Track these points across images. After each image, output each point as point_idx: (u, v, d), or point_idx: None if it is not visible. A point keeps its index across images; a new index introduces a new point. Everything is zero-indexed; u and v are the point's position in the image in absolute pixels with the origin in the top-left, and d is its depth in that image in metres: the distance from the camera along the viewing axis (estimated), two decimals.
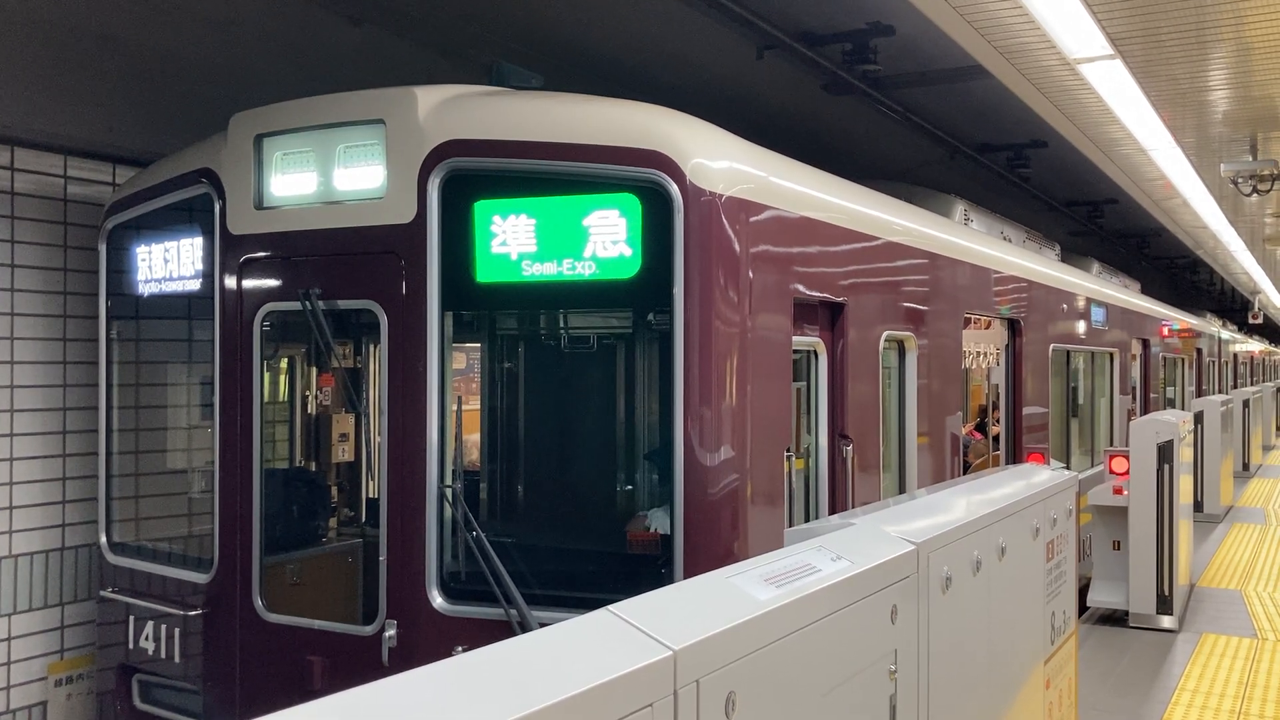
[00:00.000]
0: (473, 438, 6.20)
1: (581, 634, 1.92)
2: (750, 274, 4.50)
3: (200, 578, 5.31)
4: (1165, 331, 17.33)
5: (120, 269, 5.95)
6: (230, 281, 5.23)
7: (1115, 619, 9.12)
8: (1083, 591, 9.09)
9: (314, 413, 6.24)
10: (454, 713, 1.55)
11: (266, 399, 5.34)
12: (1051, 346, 10.02)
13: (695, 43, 8.07)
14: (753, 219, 4.56)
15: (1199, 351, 22.13)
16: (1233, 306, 36.35)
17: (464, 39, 7.57)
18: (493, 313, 5.55)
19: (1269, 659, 7.98)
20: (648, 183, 4.30)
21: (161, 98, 6.64)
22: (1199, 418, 14.44)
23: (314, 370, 6.24)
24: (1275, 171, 10.19)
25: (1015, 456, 8.98)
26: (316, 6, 6.82)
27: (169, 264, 5.65)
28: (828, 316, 5.48)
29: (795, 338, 4.99)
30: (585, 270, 4.39)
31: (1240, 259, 20.93)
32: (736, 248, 4.42)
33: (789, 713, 2.30)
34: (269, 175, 5.13)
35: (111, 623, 5.78)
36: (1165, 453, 8.86)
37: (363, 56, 7.29)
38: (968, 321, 7.68)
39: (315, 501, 6.06)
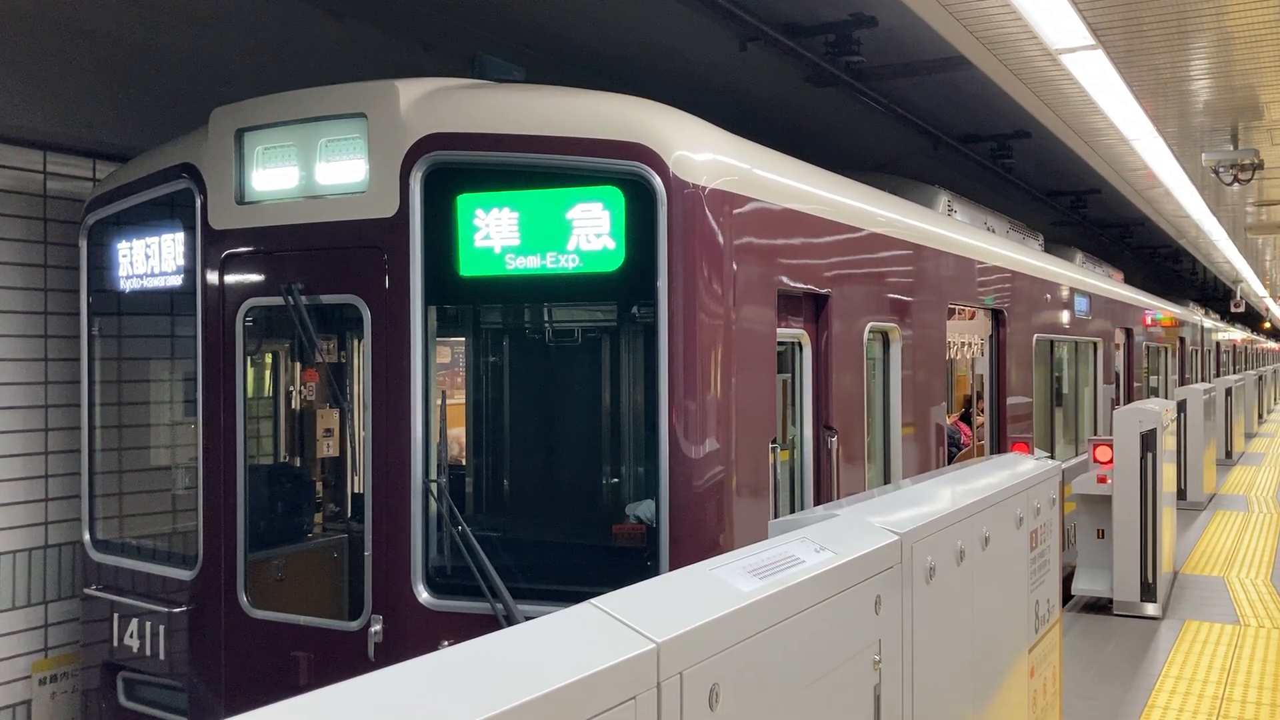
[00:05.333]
0: (457, 432, 6.19)
1: (564, 628, 1.92)
2: (734, 266, 4.50)
3: (185, 574, 5.29)
4: (1148, 320, 17.42)
5: (101, 265, 5.91)
6: (212, 277, 5.21)
7: (1099, 607, 9.17)
8: (1067, 580, 9.14)
9: (298, 408, 6.22)
10: (436, 708, 1.55)
11: (250, 394, 5.32)
12: (1035, 336, 10.06)
13: (678, 35, 8.06)
14: (736, 211, 4.56)
15: (1182, 340, 22.25)
16: (1215, 295, 36.59)
17: (445, 32, 7.54)
18: (477, 307, 5.54)
19: (1251, 645, 8.04)
20: (631, 175, 4.29)
21: (142, 93, 6.59)
22: (1182, 406, 14.53)
23: (297, 365, 6.21)
24: (1256, 161, 10.25)
25: (999, 446, 9.02)
26: (297, 0, 6.78)
27: (150, 260, 5.62)
28: (812, 308, 5.49)
29: (780, 329, 5.00)
30: (569, 263, 4.39)
31: (1222, 248, 21.07)
32: (720, 240, 4.42)
33: (773, 704, 2.30)
34: (250, 170, 5.10)
35: (95, 620, 5.75)
36: (1148, 441, 8.91)
37: (344, 50, 7.25)
38: (952, 312, 7.71)
39: (300, 497, 6.04)
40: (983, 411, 9.33)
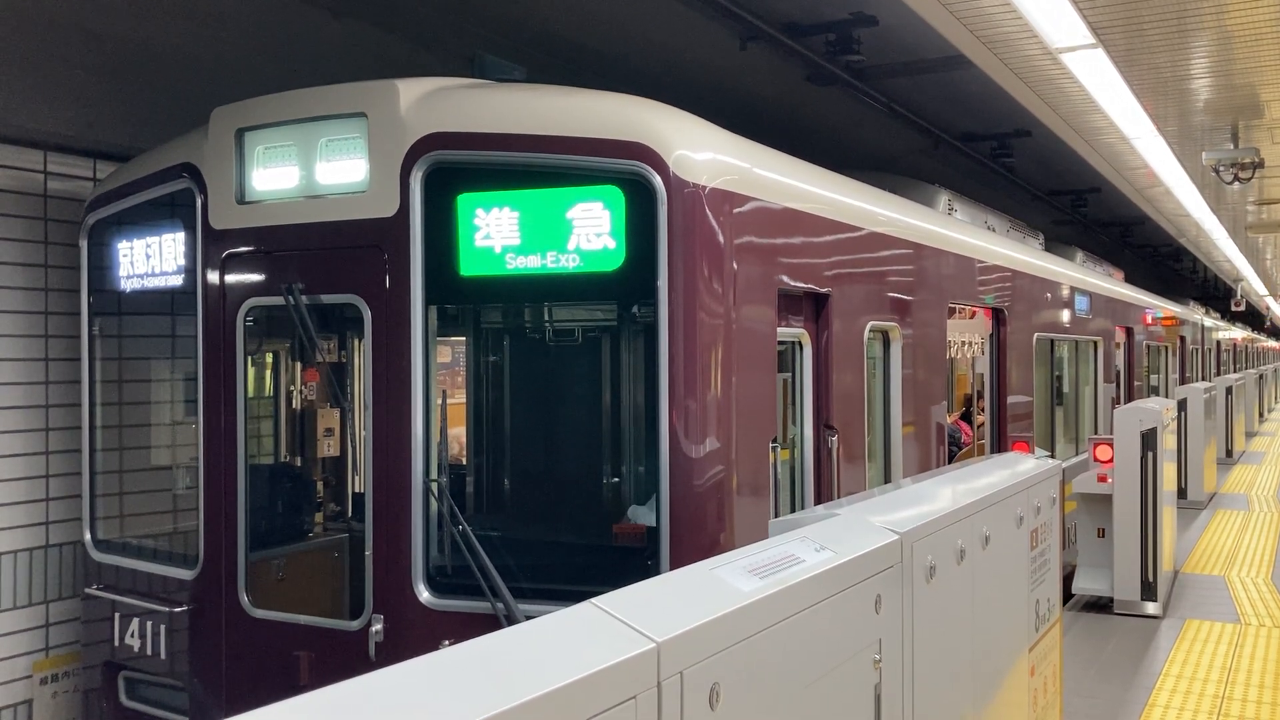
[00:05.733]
0: (458, 431, 6.19)
1: (565, 627, 1.92)
2: (734, 265, 4.50)
3: (185, 574, 5.29)
4: (1149, 319, 17.41)
5: (102, 265, 5.91)
6: (213, 276, 5.21)
7: (1100, 606, 9.17)
8: (1068, 579, 9.14)
9: (299, 408, 6.22)
10: (437, 708, 1.55)
11: (251, 394, 5.32)
12: (1036, 335, 10.06)
13: (678, 34, 8.06)
14: (736, 210, 4.56)
15: (1182, 339, 22.24)
16: (1215, 294, 36.56)
17: (446, 31, 7.55)
18: (477, 306, 5.54)
19: (1252, 644, 8.04)
20: (631, 175, 4.29)
21: (142, 92, 6.59)
22: (1182, 405, 14.53)
23: (298, 365, 6.21)
24: (1256, 159, 10.24)
25: (1000, 445, 9.02)
26: (298, 0, 6.78)
27: (151, 259, 5.62)
28: (812, 307, 5.49)
29: (780, 329, 5.00)
30: (569, 263, 4.39)
31: (1223, 247, 21.05)
32: (720, 239, 4.42)
33: (773, 704, 2.30)
34: (251, 169, 5.10)
35: (96, 620, 5.76)
36: (1149, 440, 8.91)
37: (344, 49, 7.25)
38: (952, 311, 7.70)
39: (300, 497, 6.05)
40: (983, 410, 9.33)
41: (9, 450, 6.14)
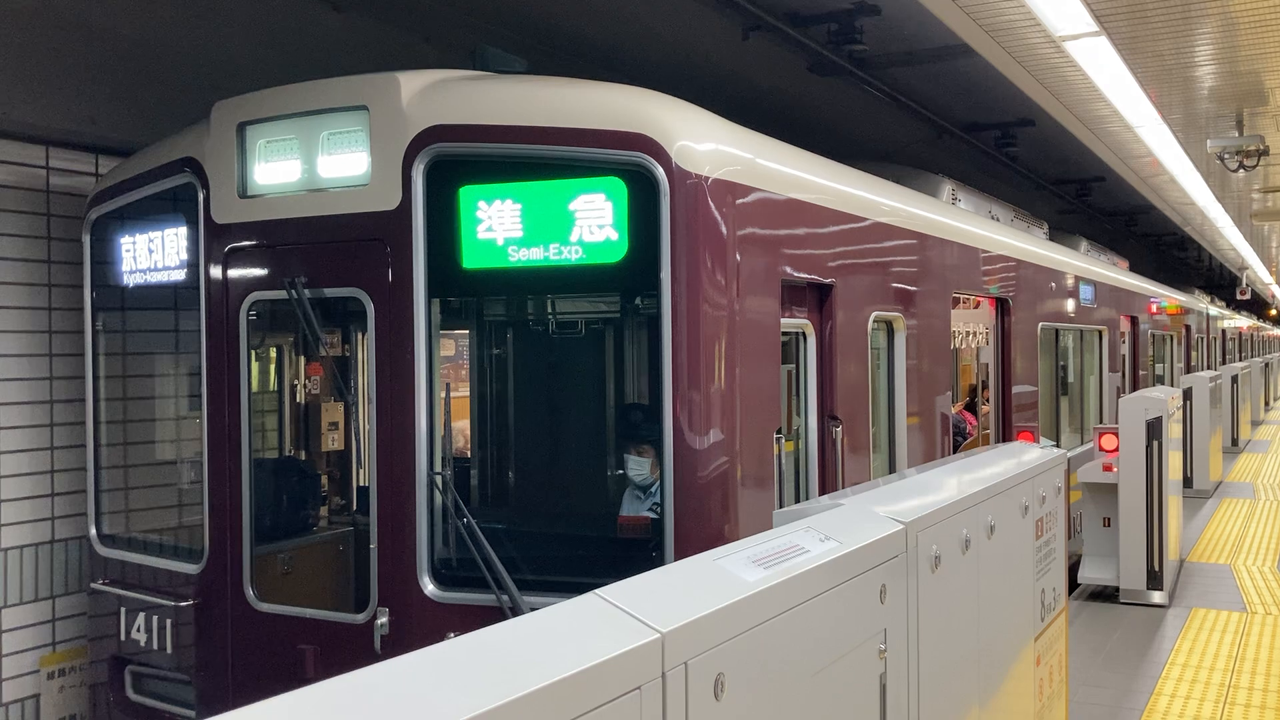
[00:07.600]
0: (462, 424, 6.19)
1: (569, 618, 1.92)
2: (737, 256, 4.49)
3: (191, 568, 5.30)
4: (1154, 308, 17.38)
5: (104, 260, 5.92)
6: (215, 271, 5.21)
7: (1106, 595, 9.16)
8: (1073, 568, 9.14)
9: (303, 402, 6.22)
10: (442, 699, 1.55)
11: (255, 388, 5.32)
12: (1040, 325, 10.04)
13: (680, 24, 8.04)
14: (739, 201, 4.55)
15: (1187, 328, 22.20)
16: (1221, 283, 36.49)
17: (446, 23, 7.53)
18: (480, 299, 5.53)
19: (1258, 632, 8.03)
20: (633, 166, 4.28)
21: (144, 87, 6.59)
22: (1188, 394, 14.51)
23: (302, 359, 6.21)
24: (1261, 147, 10.21)
25: (1005, 435, 9.01)
26: None
27: (153, 254, 5.62)
28: (816, 298, 5.48)
29: (784, 320, 4.99)
30: (572, 255, 4.38)
31: (1228, 235, 21.00)
32: (723, 230, 4.41)
33: (778, 694, 2.30)
34: (252, 163, 5.10)
35: (103, 615, 5.77)
36: (1154, 429, 8.89)
37: (345, 42, 7.24)
38: (956, 301, 7.69)
39: (305, 490, 6.05)
40: (988, 400, 9.31)
41: (14, 446, 6.15)
